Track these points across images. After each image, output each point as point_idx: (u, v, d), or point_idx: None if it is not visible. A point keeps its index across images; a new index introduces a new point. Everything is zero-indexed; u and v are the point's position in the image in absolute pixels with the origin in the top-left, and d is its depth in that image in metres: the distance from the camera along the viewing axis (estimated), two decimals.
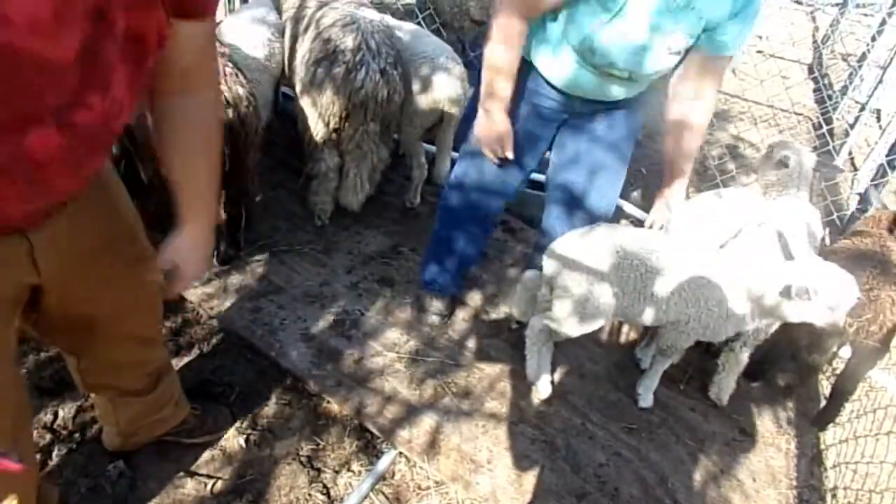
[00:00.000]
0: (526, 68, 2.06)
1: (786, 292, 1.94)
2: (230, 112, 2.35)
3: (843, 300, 1.92)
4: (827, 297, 1.90)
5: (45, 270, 1.21)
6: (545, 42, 2.00)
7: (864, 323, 2.20)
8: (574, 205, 2.34)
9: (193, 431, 2.02)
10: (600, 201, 2.31)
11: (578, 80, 2.01)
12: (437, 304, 2.67)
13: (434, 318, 2.67)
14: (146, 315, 1.63)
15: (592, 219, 2.31)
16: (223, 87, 2.35)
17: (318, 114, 2.75)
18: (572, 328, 2.21)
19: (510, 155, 2.10)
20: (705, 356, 2.65)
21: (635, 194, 3.83)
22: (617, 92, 2.04)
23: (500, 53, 1.95)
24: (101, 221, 1.32)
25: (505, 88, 1.99)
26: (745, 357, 2.40)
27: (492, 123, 2.06)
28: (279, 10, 3.21)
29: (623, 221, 3.46)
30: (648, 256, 2.12)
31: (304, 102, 2.80)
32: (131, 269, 1.46)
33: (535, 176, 3.55)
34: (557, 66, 2.01)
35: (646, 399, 2.41)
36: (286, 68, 3.04)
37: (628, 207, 3.51)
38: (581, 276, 2.13)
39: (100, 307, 1.43)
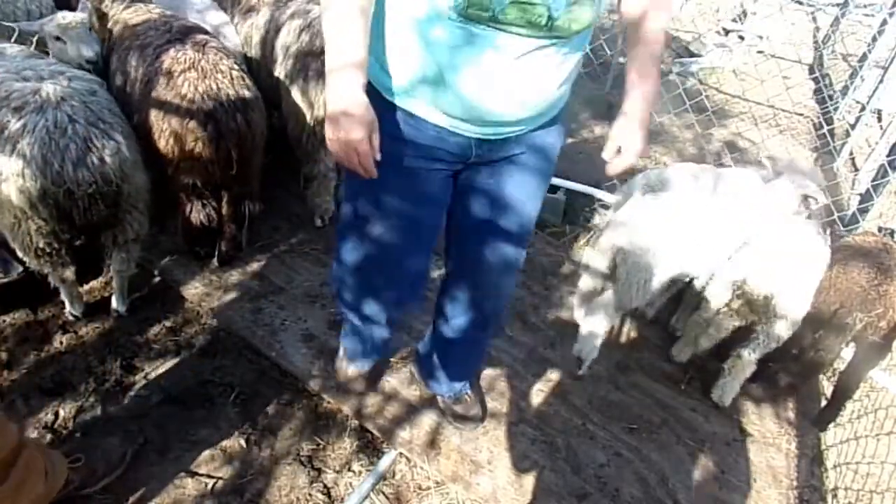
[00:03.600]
0: (380, 103, 1.44)
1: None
2: (237, 116, 2.35)
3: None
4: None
5: None
6: (380, 18, 1.38)
7: (873, 318, 2.19)
8: (471, 295, 1.88)
9: (86, 484, 1.83)
10: (497, 299, 1.91)
11: (455, 70, 1.33)
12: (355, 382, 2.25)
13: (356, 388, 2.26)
14: None
15: (486, 314, 1.93)
16: (230, 91, 2.35)
17: (316, 118, 2.72)
18: (640, 298, 2.32)
19: (377, 156, 1.35)
20: (705, 356, 2.65)
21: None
22: (527, 93, 1.39)
23: (334, 19, 1.31)
24: None
25: (352, 47, 1.29)
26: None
27: (338, 103, 1.29)
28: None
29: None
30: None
31: (297, 98, 2.73)
32: None
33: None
34: (415, 51, 1.35)
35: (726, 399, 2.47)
36: (257, 53, 2.92)
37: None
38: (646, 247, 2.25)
39: None
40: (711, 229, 2.31)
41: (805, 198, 2.43)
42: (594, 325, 2.42)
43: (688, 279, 2.45)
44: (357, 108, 1.29)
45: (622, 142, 1.51)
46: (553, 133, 1.63)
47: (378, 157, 1.34)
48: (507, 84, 1.35)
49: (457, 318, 1.95)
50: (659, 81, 1.51)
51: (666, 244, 2.25)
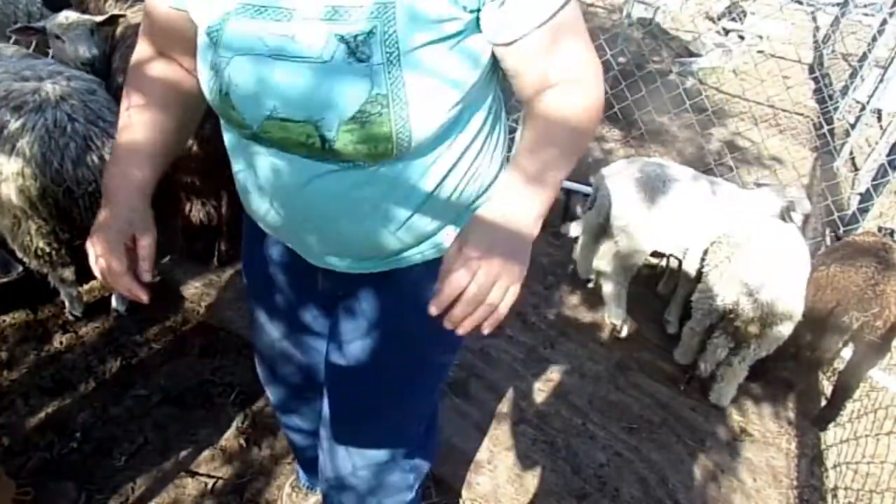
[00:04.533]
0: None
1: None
2: None
3: None
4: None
5: None
6: None
7: (869, 318, 2.19)
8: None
9: None
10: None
11: (257, 191, 1.08)
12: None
13: None
14: None
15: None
16: None
17: None
18: (638, 256, 2.60)
19: (143, 276, 1.08)
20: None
21: None
22: (331, 226, 1.04)
23: (123, 109, 1.13)
24: None
25: (122, 172, 1.13)
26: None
27: (101, 205, 1.12)
28: None
29: None
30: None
31: None
32: None
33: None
34: (234, 167, 1.13)
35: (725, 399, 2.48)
36: None
37: None
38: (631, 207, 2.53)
39: None
40: (689, 206, 2.50)
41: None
42: (611, 291, 2.72)
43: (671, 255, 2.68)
44: (105, 217, 1.07)
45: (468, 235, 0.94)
46: (391, 294, 1.16)
47: (146, 278, 1.08)
48: (307, 212, 1.04)
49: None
50: (559, 182, 1.04)
51: (649, 222, 2.52)
